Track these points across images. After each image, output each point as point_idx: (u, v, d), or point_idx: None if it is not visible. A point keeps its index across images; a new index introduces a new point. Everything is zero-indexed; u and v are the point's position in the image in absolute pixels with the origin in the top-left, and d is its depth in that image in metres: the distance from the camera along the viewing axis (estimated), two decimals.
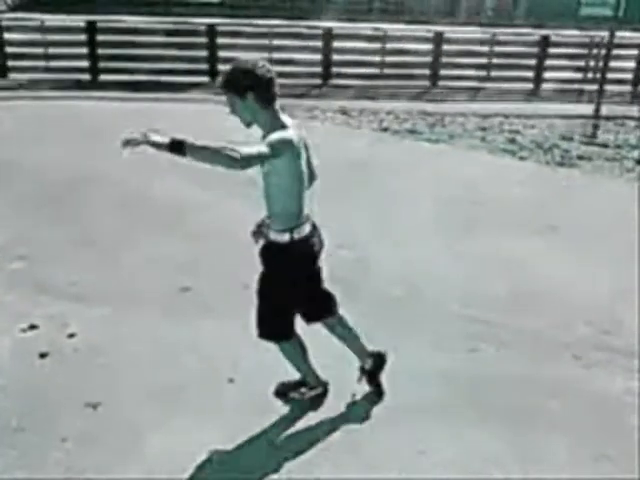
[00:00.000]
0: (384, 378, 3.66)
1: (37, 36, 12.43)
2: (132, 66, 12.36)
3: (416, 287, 4.91)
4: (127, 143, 2.78)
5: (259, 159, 2.80)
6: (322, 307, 3.50)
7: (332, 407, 3.56)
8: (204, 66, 12.59)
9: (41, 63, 12.28)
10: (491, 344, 4.21)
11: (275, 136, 2.88)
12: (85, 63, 12.20)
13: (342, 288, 3.92)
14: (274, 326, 3.34)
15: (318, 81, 12.87)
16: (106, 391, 3.61)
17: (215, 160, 2.70)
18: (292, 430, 3.39)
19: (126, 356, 3.93)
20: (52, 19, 13.31)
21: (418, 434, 3.37)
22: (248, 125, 3.08)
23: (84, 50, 12.18)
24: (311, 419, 3.47)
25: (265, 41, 12.89)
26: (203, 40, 12.57)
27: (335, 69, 13.01)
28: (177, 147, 2.69)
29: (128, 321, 4.26)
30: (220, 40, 12.47)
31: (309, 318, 3.47)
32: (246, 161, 2.70)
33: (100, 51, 12.28)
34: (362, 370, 3.66)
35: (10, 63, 12.15)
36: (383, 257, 5.38)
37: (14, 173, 6.91)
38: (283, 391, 3.65)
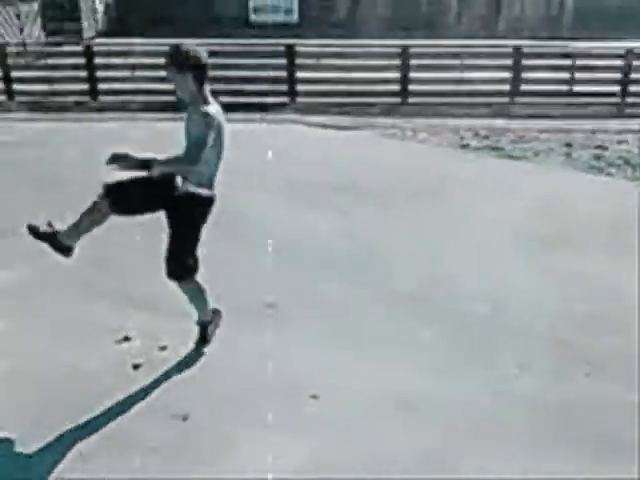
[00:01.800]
0: (461, 400, 3.59)
1: (125, 60, 13.00)
2: (213, 88, 12.72)
3: (501, 305, 4.82)
4: (113, 161, 3.52)
5: (201, 147, 3.51)
6: None
7: None
8: (284, 87, 12.82)
9: (129, 86, 12.80)
10: (580, 366, 4.08)
11: (207, 116, 3.60)
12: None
13: (425, 305, 3.91)
14: (188, 264, 3.89)
15: (397, 99, 12.88)
16: (195, 403, 3.71)
17: (174, 169, 3.64)
18: (378, 455, 3.38)
19: (214, 369, 4.02)
20: (139, 42, 13.89)
21: (498, 463, 3.29)
22: (181, 100, 3.76)
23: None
24: (400, 444, 3.45)
25: (345, 61, 13.01)
26: (282, 61, 12.82)
27: (413, 87, 12.99)
28: (145, 165, 3.51)
29: (216, 335, 4.36)
30: (299, 61, 12.69)
31: None
32: (193, 158, 3.49)
33: None
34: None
35: (100, 86, 12.73)
36: (466, 274, 5.32)
37: None
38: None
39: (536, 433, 3.52)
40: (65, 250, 3.91)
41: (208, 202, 3.88)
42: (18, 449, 3.35)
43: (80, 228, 3.87)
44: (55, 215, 4.09)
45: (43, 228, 3.87)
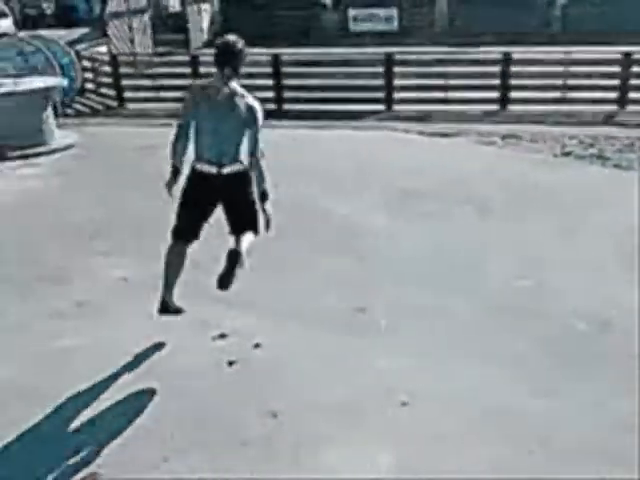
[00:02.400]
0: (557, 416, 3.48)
1: None
2: (311, 96, 12.93)
3: (604, 322, 4.63)
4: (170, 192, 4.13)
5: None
6: None
7: None
8: (381, 94, 12.86)
9: None
10: None
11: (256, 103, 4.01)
12: (270, 94, 12.96)
13: (519, 318, 3.81)
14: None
15: (495, 107, 12.63)
16: (286, 401, 3.78)
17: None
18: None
19: (305, 370, 4.09)
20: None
21: None
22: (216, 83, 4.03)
23: (269, 81, 12.94)
24: (486, 457, 3.38)
25: (439, 68, 12.93)
26: (381, 69, 12.87)
27: (514, 94, 12.70)
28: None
29: (308, 336, 4.43)
30: (396, 69, 12.72)
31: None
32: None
33: (285, 82, 12.99)
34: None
35: None
36: (568, 288, 5.13)
37: None
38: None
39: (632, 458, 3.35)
40: (176, 312, 4.25)
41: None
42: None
43: (170, 282, 4.17)
44: None
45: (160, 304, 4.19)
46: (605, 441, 3.45)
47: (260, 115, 3.96)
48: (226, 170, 4.00)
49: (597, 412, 3.68)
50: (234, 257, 4.02)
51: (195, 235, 4.17)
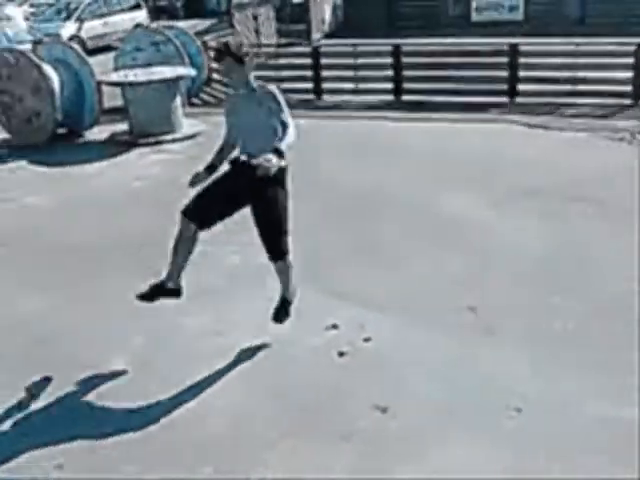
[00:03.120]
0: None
1: (348, 60, 13.51)
2: (432, 87, 12.77)
3: None
4: (193, 184, 4.16)
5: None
6: None
7: None
8: (504, 86, 12.49)
9: (350, 85, 13.30)
10: None
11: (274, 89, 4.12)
12: (389, 85, 12.92)
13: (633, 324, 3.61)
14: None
15: (628, 101, 11.94)
16: (394, 396, 3.82)
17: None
18: None
19: (412, 366, 4.11)
20: (362, 43, 14.35)
21: None
22: (237, 84, 4.18)
23: (389, 72, 12.90)
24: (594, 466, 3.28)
25: (568, 59, 12.36)
26: (504, 60, 12.49)
27: None
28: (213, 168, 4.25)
29: (417, 332, 4.45)
30: (522, 60, 12.29)
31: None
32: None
33: (405, 73, 12.90)
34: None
35: (325, 85, 13.37)
36: None
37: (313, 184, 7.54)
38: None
39: None
40: (175, 294, 4.26)
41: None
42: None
43: (178, 265, 4.15)
44: None
45: (146, 289, 4.22)
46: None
47: (280, 98, 4.05)
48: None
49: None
50: (284, 304, 4.25)
51: (209, 222, 4.11)
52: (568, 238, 5.87)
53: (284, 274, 4.19)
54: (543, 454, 3.36)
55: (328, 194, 7.06)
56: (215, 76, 14.53)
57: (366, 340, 4.37)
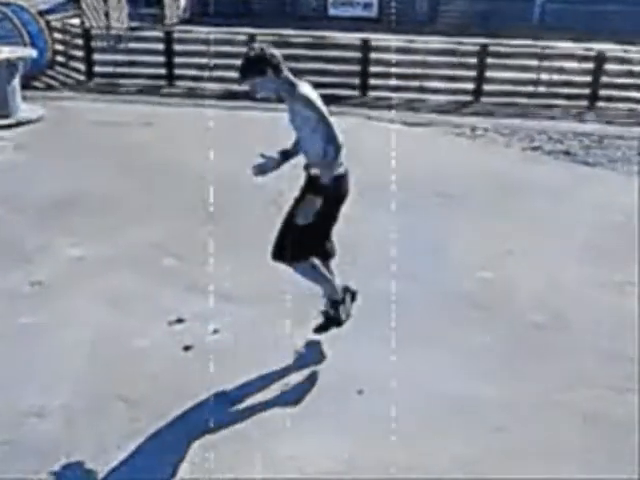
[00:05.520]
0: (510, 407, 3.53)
1: (203, 47, 13.23)
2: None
3: (561, 316, 4.68)
4: (262, 172, 3.86)
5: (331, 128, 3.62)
6: None
7: None
8: (356, 80, 12.79)
9: (205, 73, 13.03)
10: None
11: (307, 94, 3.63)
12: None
13: (481, 308, 3.82)
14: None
15: (469, 98, 12.66)
16: (240, 386, 3.77)
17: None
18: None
19: (260, 355, 4.07)
20: (218, 31, 14.11)
21: (541, 474, 3.21)
22: (273, 95, 3.75)
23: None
24: (438, 447, 3.41)
25: (414, 57, 12.90)
26: (357, 54, 12.80)
27: (487, 87, 12.73)
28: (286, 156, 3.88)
29: (268, 322, 4.41)
30: (373, 55, 12.64)
31: None
32: (337, 146, 3.64)
33: None
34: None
35: (177, 72, 13.02)
36: (528, 282, 5.17)
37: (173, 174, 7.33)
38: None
39: (586, 447, 3.41)
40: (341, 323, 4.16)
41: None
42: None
43: (328, 284, 4.06)
44: None
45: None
46: (559, 435, 3.50)
47: (312, 99, 3.66)
48: (312, 171, 3.81)
49: (549, 405, 3.73)
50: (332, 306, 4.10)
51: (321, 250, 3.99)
52: (419, 228, 6.06)
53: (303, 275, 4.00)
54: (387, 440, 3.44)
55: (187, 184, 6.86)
56: (59, 59, 13.71)
57: (214, 332, 4.27)
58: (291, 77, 3.72)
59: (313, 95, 3.69)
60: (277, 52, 3.71)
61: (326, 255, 4.04)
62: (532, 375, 4.01)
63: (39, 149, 7.99)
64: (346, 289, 4.18)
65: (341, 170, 3.75)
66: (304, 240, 3.76)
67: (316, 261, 3.95)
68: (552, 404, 3.75)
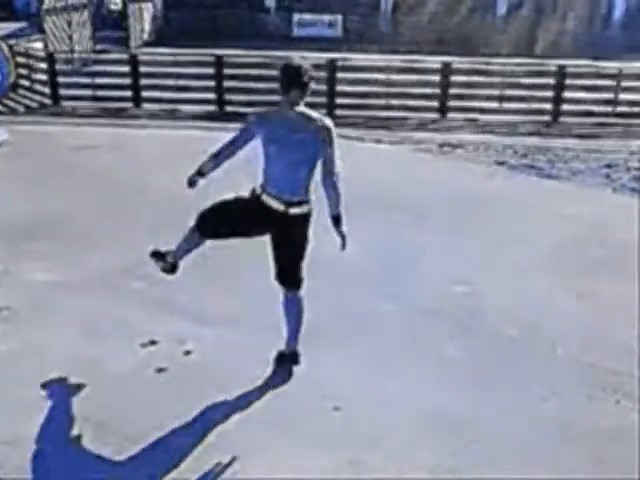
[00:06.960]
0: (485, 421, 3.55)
1: (169, 69, 13.21)
2: (255, 99, 12.85)
3: (532, 328, 4.74)
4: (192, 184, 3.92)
5: None
6: None
7: None
8: (323, 99, 12.88)
9: (172, 95, 13.01)
10: (612, 394, 3.98)
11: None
12: (212, 95, 12.80)
13: (453, 323, 3.85)
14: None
15: (436, 115, 12.84)
16: (214, 406, 3.73)
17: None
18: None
19: (235, 374, 4.03)
20: (184, 53, 14.12)
21: None
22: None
23: (212, 83, 12.78)
24: (416, 460, 3.41)
25: (386, 75, 13.05)
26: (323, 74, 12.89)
27: (453, 103, 12.94)
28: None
29: (241, 341, 4.38)
30: (339, 74, 12.76)
31: None
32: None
33: (226, 84, 12.86)
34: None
35: (144, 94, 12.97)
36: (497, 295, 5.23)
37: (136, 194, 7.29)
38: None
39: (560, 457, 3.44)
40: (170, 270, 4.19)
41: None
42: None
43: (179, 252, 4.09)
44: None
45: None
46: (534, 447, 3.52)
47: (334, 135, 3.79)
48: (294, 211, 3.76)
49: (523, 416, 3.76)
50: (294, 359, 4.08)
51: (216, 236, 4.04)
52: (387, 245, 6.10)
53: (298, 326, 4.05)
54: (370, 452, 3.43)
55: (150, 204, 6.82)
56: (23, 82, 13.60)
57: (187, 353, 4.22)
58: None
59: None
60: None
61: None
62: (507, 387, 4.04)
63: (3, 173, 7.86)
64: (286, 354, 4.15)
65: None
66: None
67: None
68: (528, 415, 3.77)
